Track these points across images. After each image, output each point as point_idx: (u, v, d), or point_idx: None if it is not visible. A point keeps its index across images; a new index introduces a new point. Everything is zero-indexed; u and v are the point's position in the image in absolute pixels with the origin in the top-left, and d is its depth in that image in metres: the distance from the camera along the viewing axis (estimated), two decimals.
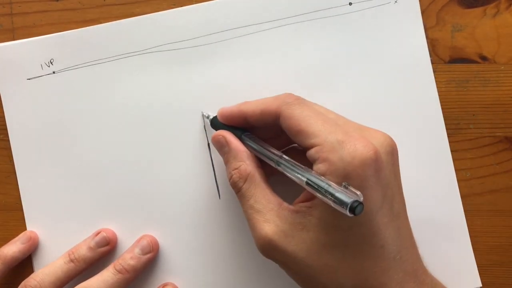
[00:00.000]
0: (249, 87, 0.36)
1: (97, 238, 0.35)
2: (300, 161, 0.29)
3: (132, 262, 0.33)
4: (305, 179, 0.27)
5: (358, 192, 0.24)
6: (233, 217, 0.36)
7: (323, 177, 0.26)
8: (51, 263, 0.34)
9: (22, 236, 0.36)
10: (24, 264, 0.36)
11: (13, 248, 0.35)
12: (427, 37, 0.36)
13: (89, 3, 0.37)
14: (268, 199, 0.29)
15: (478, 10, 0.36)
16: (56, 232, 0.36)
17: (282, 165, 0.29)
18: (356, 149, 0.26)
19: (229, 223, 0.36)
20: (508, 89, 0.36)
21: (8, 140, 0.37)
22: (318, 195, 0.26)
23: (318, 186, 0.26)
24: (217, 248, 0.36)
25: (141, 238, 0.35)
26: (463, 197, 0.36)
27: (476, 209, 0.36)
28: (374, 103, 0.36)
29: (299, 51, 0.36)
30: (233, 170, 0.30)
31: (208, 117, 0.35)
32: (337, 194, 0.24)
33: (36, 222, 0.36)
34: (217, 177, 0.36)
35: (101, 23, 0.36)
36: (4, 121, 0.37)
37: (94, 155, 0.36)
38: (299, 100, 0.30)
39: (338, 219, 0.26)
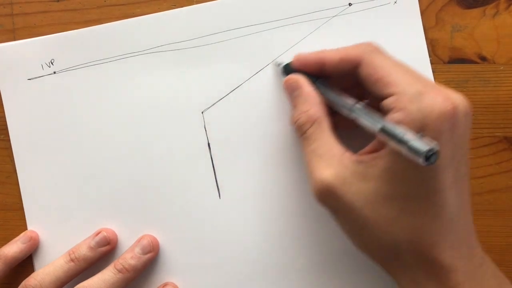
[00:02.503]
0: (250, 88, 0.36)
1: (98, 237, 0.35)
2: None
3: (132, 262, 0.34)
4: (380, 126, 0.26)
5: (434, 142, 0.24)
6: (234, 217, 0.36)
7: (400, 125, 0.26)
8: (52, 262, 0.34)
9: (22, 236, 0.36)
10: (24, 264, 0.36)
11: (14, 248, 0.35)
12: (426, 38, 0.36)
13: (89, 4, 0.37)
14: (332, 146, 0.29)
15: (478, 11, 0.36)
16: (57, 231, 0.36)
17: (356, 112, 0.29)
18: (435, 102, 0.26)
19: (229, 223, 0.36)
20: (507, 89, 0.36)
21: (9, 140, 0.37)
22: (392, 142, 0.25)
23: (393, 133, 0.25)
24: (217, 248, 0.36)
25: (141, 237, 0.35)
26: None
27: (476, 209, 0.36)
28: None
29: (298, 51, 0.36)
30: (301, 113, 0.30)
31: (280, 64, 0.34)
32: (413, 142, 0.24)
33: (37, 222, 0.37)
34: (217, 176, 0.36)
35: (101, 23, 0.37)
36: (5, 121, 0.37)
37: (95, 155, 0.36)
38: (379, 50, 0.30)
39: (404, 171, 0.26)
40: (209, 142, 0.36)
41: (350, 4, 0.36)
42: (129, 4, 0.37)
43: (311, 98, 0.30)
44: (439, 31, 0.36)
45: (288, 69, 0.33)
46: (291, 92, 0.32)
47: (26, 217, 0.37)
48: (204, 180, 0.36)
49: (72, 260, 0.34)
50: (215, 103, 0.36)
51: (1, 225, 0.37)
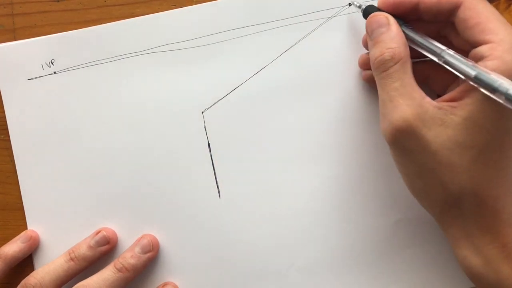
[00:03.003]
0: (249, 88, 0.36)
1: (97, 237, 0.35)
2: None
3: (132, 261, 0.34)
4: (475, 72, 0.26)
5: None
6: (233, 217, 0.36)
7: (495, 73, 0.26)
8: (52, 261, 0.34)
9: (22, 235, 0.36)
10: (24, 263, 0.36)
11: (14, 247, 0.35)
12: None
13: (90, 4, 0.37)
14: (414, 88, 0.28)
15: None
16: (57, 231, 0.36)
17: (447, 57, 0.28)
18: None
19: (229, 223, 0.36)
20: None
21: (9, 140, 0.37)
22: (486, 90, 0.25)
23: (489, 80, 0.25)
24: (217, 248, 0.36)
25: (141, 237, 0.35)
26: None
27: None
28: (368, 103, 0.36)
29: (298, 51, 0.36)
30: (387, 49, 0.29)
31: (360, 7, 0.33)
32: (511, 90, 0.24)
33: (37, 222, 0.37)
34: (217, 177, 0.36)
35: (102, 23, 0.37)
36: (5, 121, 0.37)
37: (95, 154, 0.36)
38: None
39: (484, 122, 0.26)
40: (209, 142, 0.36)
41: (350, 5, 0.36)
42: (129, 4, 0.37)
43: (399, 37, 0.29)
44: None
45: (371, 11, 0.32)
46: (377, 28, 0.30)
47: (26, 216, 0.37)
48: (204, 180, 0.36)
49: (72, 259, 0.34)
50: (215, 103, 0.36)
51: (1, 225, 0.37)
